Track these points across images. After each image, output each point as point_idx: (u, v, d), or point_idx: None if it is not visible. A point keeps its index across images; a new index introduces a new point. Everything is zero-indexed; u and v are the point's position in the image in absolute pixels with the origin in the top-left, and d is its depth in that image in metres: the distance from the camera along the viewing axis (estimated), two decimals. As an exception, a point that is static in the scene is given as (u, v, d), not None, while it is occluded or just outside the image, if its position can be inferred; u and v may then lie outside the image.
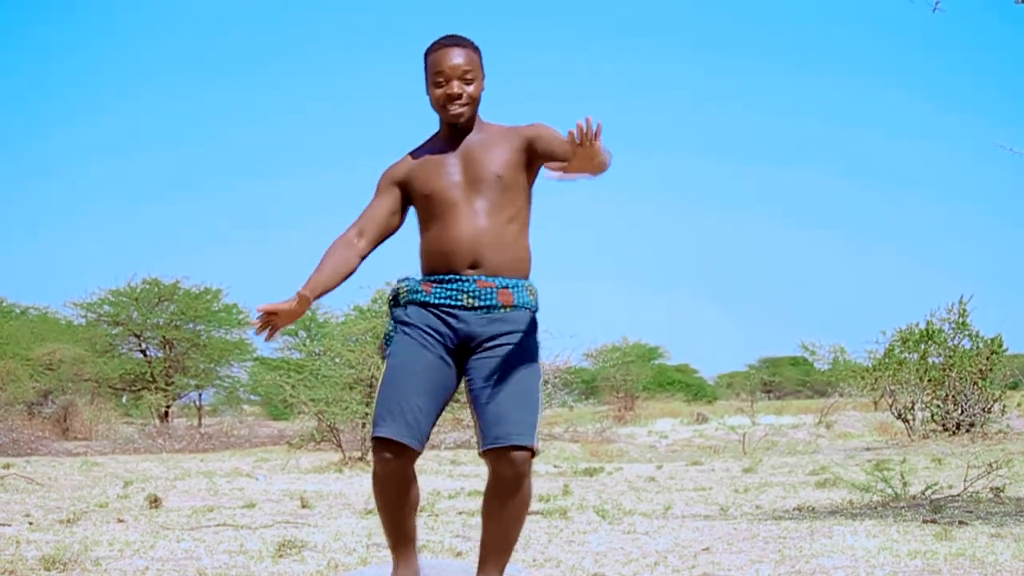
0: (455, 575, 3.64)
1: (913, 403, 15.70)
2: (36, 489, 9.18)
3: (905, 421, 15.67)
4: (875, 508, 6.63)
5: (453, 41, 3.11)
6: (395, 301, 3.19)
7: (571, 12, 36.73)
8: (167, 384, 22.27)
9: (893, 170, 37.17)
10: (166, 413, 21.95)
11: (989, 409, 15.21)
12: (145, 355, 23.18)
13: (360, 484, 9.75)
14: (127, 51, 34.94)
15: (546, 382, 17.08)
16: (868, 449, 14.19)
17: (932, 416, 15.48)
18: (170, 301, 23.02)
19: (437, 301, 3.08)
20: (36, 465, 11.90)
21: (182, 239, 35.57)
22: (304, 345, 20.47)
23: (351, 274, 3.14)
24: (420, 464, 12.24)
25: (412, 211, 3.23)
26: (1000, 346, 15.51)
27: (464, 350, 3.10)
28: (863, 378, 16.76)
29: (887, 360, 16.12)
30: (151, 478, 10.49)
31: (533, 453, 2.99)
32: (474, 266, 3.05)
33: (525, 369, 3.05)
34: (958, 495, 6.95)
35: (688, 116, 37.33)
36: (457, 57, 3.08)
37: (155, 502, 7.49)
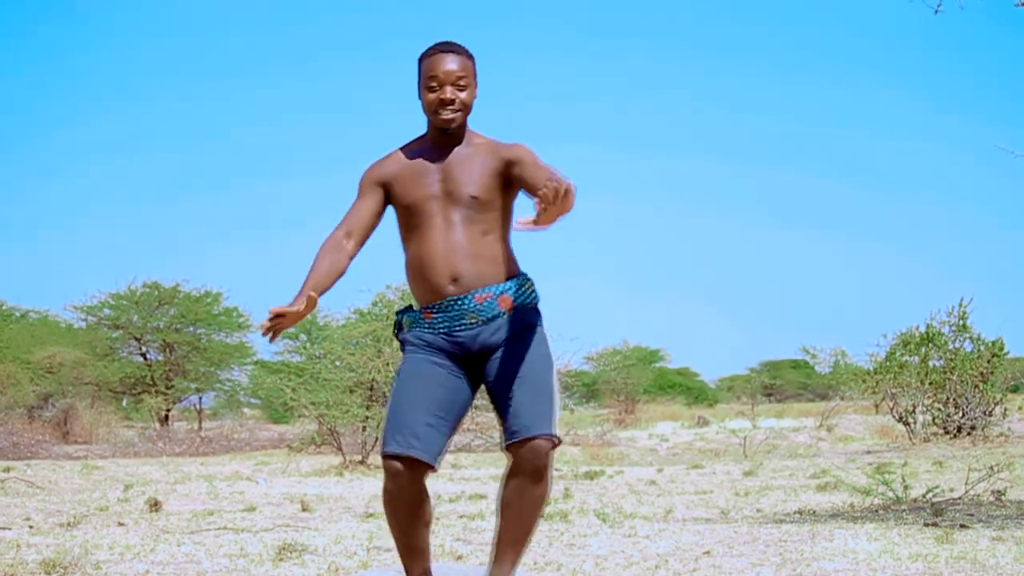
0: (456, 579, 3.63)
1: (914, 406, 15.69)
2: (36, 493, 9.17)
3: (906, 424, 15.66)
4: (876, 511, 6.63)
5: (448, 47, 3.14)
6: (399, 330, 3.23)
7: (571, 12, 36.71)
8: (167, 387, 22.27)
9: (893, 172, 37.15)
10: (166, 416, 21.93)
11: (990, 412, 15.20)
12: (145, 358, 23.17)
13: (361, 487, 9.74)
14: (127, 52, 34.91)
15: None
16: (869, 452, 14.18)
17: (933, 419, 15.47)
18: (170, 304, 23.01)
19: (443, 328, 3.10)
20: (36, 469, 11.90)
21: (182, 242, 35.55)
22: (305, 348, 20.47)
23: (342, 275, 3.16)
24: (421, 467, 12.00)
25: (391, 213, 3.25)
26: (1001, 349, 15.50)
27: (479, 359, 3.12)
28: (864, 381, 16.75)
29: (888, 363, 16.11)
30: (151, 482, 10.48)
31: (554, 443, 2.99)
32: (455, 280, 3.07)
33: (537, 362, 3.07)
34: (959, 498, 6.95)
35: (689, 117, 37.30)
36: (451, 63, 3.10)
37: (155, 506, 7.49)
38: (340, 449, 13.19)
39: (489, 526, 6.22)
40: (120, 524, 6.54)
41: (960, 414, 15.16)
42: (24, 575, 4.48)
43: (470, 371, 3.12)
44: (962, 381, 15.15)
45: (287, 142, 36.72)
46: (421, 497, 3.04)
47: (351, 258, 3.17)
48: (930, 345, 15.84)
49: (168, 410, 22.08)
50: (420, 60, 3.16)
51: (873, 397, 17.21)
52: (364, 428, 13.31)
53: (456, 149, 3.16)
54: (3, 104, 33.34)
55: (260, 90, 36.45)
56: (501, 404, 3.04)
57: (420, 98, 3.16)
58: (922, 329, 16.01)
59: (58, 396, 20.49)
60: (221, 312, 23.49)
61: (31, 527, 6.41)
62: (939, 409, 15.45)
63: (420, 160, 3.17)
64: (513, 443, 2.98)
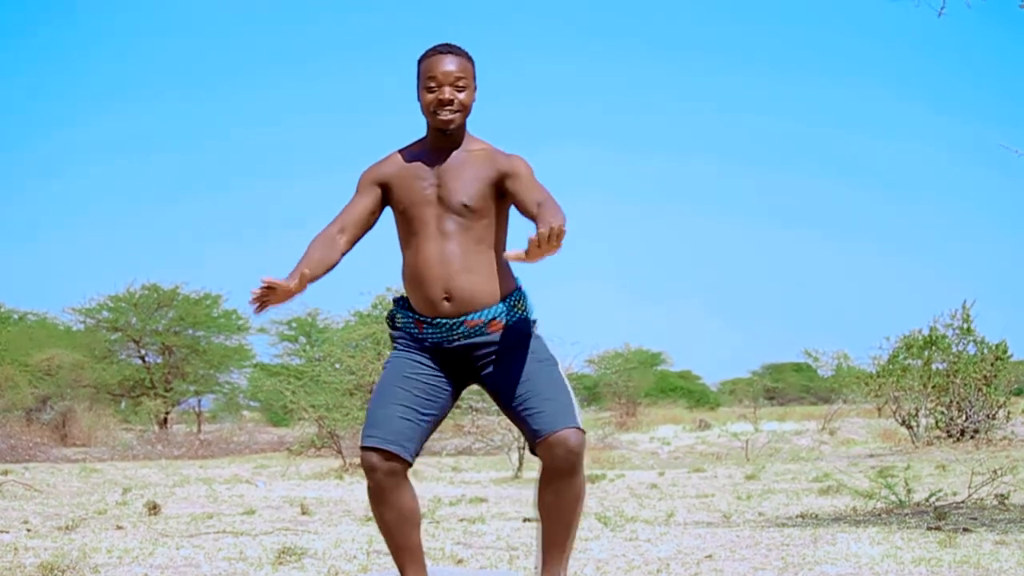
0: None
1: (917, 409, 15.64)
2: (34, 496, 9.14)
3: (909, 427, 15.62)
4: (879, 515, 6.60)
5: (447, 49, 3.14)
6: (392, 323, 3.24)
7: (571, 12, 36.69)
8: (166, 390, 22.26)
9: (895, 174, 37.06)
10: (165, 419, 21.91)
11: (994, 415, 15.15)
12: (144, 361, 23.16)
13: (361, 491, 9.71)
14: (127, 52, 34.89)
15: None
16: (872, 456, 14.15)
17: (936, 422, 15.43)
18: (169, 307, 23.01)
19: (432, 342, 3.13)
20: (35, 472, 11.87)
21: (182, 243, 35.50)
22: (304, 351, 20.49)
23: (332, 269, 3.14)
24: (420, 470, 12.20)
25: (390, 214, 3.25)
26: (1005, 352, 15.45)
27: (468, 364, 3.14)
28: (867, 384, 16.71)
29: (891, 366, 16.08)
30: (150, 485, 10.45)
31: (582, 434, 3.00)
32: (448, 298, 3.07)
33: (542, 362, 3.09)
34: (962, 502, 6.91)
35: (690, 118, 37.24)
36: (450, 64, 3.11)
37: (154, 509, 7.46)
38: (340, 452, 13.16)
39: (490, 529, 6.19)
40: (119, 527, 6.51)
41: (963, 417, 15.12)
42: (20, 579, 4.44)
43: (456, 371, 3.14)
44: (965, 384, 15.11)
45: (287, 142, 36.71)
46: (404, 494, 3.05)
47: (343, 254, 3.16)
48: (933, 348, 15.80)
49: (167, 413, 22.07)
50: (419, 61, 3.17)
51: (876, 400, 17.17)
52: (364, 431, 13.29)
53: (453, 153, 3.16)
54: (3, 104, 33.35)
55: (260, 90, 36.46)
56: (518, 412, 3.04)
57: (419, 99, 3.16)
58: (925, 332, 15.98)
59: (56, 399, 20.47)
60: (220, 314, 23.49)
61: (29, 530, 6.38)
62: (942, 412, 15.40)
63: (417, 163, 3.17)
64: (540, 441, 2.97)
